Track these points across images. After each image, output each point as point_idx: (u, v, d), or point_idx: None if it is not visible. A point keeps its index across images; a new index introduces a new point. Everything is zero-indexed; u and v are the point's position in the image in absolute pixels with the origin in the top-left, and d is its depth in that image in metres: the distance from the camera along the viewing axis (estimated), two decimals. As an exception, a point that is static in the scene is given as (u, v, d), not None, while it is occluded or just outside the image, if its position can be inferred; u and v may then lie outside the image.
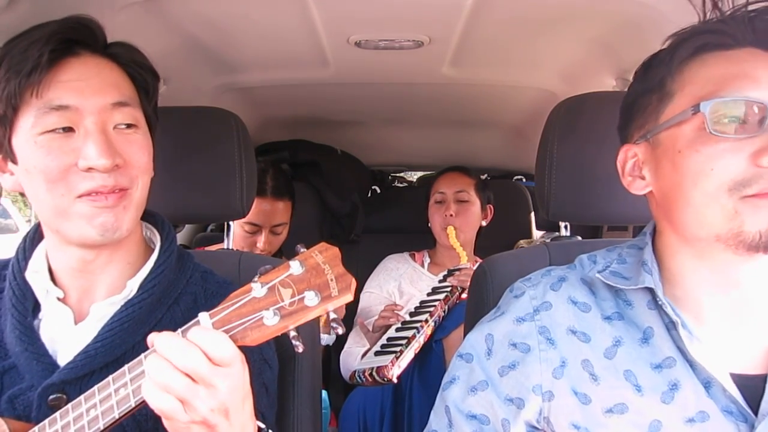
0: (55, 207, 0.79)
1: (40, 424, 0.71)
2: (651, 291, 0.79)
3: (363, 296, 2.11)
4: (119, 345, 0.81)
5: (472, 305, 1.14)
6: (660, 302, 0.78)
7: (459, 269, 1.93)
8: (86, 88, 0.78)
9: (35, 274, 0.86)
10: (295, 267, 0.66)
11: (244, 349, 0.67)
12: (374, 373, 1.63)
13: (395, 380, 1.62)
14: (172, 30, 1.34)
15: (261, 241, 1.86)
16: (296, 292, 0.65)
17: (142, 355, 0.67)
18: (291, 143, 2.50)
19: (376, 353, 1.74)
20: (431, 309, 1.78)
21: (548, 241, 1.37)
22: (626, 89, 0.87)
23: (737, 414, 0.73)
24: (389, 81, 1.82)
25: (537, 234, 2.58)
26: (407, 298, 2.02)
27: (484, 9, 1.26)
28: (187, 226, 2.46)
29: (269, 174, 1.89)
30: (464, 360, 0.88)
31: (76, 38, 0.80)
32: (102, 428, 0.67)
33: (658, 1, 1.14)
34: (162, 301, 0.87)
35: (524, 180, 2.87)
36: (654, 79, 0.80)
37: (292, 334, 0.66)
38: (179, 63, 1.51)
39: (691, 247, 0.77)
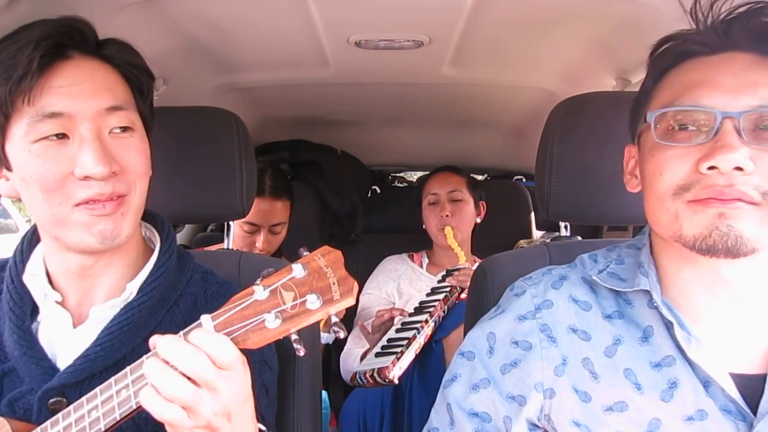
0: (52, 216, 0.78)
1: (43, 424, 0.71)
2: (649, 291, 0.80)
3: (362, 297, 2.11)
4: (119, 348, 0.81)
5: (473, 305, 1.14)
6: (655, 304, 0.78)
7: (458, 269, 1.93)
8: (79, 94, 0.76)
9: (33, 278, 0.85)
10: (297, 270, 0.66)
11: (245, 351, 0.67)
12: (375, 375, 1.63)
13: (396, 381, 1.62)
14: (172, 30, 1.34)
15: (260, 240, 1.87)
16: (298, 296, 0.65)
17: (145, 357, 0.66)
18: (291, 143, 2.50)
19: (377, 354, 1.74)
20: (431, 309, 1.78)
21: (548, 241, 1.37)
22: (626, 89, 0.88)
23: (736, 413, 0.73)
24: (389, 81, 1.82)
25: (537, 234, 2.58)
26: (406, 298, 2.01)
27: (484, 9, 1.26)
28: (187, 226, 2.46)
29: (268, 174, 1.90)
30: (466, 358, 0.88)
31: (67, 41, 0.78)
32: (103, 429, 0.67)
33: (658, 1, 1.14)
34: (162, 303, 0.86)
35: (524, 180, 2.87)
36: (645, 82, 0.83)
37: (294, 337, 0.66)
38: (179, 63, 1.51)
39: (672, 248, 0.78)
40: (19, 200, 0.82)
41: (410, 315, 1.84)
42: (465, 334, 0.95)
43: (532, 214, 2.59)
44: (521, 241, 2.47)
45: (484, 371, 0.85)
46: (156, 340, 0.65)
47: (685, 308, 0.78)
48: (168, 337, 0.65)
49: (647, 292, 0.80)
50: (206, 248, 1.88)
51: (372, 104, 2.13)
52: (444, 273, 1.97)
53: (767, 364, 0.75)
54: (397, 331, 1.79)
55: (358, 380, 1.69)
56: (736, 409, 0.73)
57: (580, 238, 1.35)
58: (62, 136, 0.76)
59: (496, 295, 1.00)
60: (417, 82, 1.83)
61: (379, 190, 2.94)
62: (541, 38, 1.46)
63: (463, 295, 1.79)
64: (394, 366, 1.62)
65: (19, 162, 0.77)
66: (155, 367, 0.63)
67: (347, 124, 2.38)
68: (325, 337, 1.82)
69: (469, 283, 1.23)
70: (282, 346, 0.99)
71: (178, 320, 0.86)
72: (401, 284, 2.08)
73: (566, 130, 1.12)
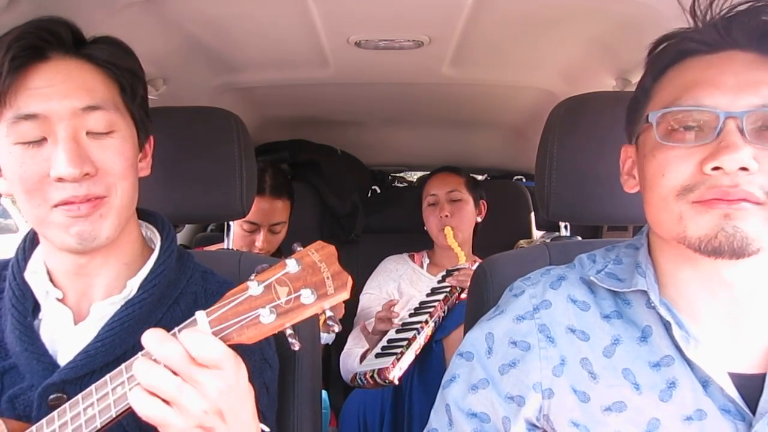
0: (35, 216, 0.79)
1: (38, 423, 0.71)
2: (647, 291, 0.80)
3: (362, 297, 2.11)
4: (119, 345, 0.81)
5: (473, 305, 1.14)
6: (653, 304, 0.78)
7: (458, 269, 1.93)
8: (54, 94, 0.76)
9: (34, 275, 0.86)
10: (291, 265, 0.66)
11: (245, 349, 0.67)
12: (375, 375, 1.63)
13: (396, 382, 1.62)
14: (171, 30, 1.34)
15: (260, 240, 1.87)
16: (292, 290, 0.65)
17: (139, 354, 0.67)
18: (291, 143, 2.50)
19: (377, 355, 1.74)
20: (431, 310, 1.78)
21: (548, 241, 1.37)
22: (626, 89, 0.87)
23: (735, 413, 0.73)
24: (389, 81, 1.82)
25: (537, 234, 2.58)
26: (407, 298, 2.02)
27: (484, 9, 1.26)
28: (187, 226, 2.46)
29: (268, 173, 1.90)
30: (464, 358, 0.88)
31: (40, 43, 0.77)
32: (99, 427, 0.67)
33: (658, 1, 1.14)
34: (162, 300, 0.87)
35: (524, 180, 2.87)
36: (643, 81, 0.82)
37: (289, 332, 0.66)
38: (179, 63, 1.51)
39: (672, 248, 0.78)
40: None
41: (410, 315, 1.84)
42: (465, 335, 0.95)
43: (532, 214, 2.59)
44: (521, 241, 2.47)
45: (482, 372, 0.85)
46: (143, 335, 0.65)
47: (684, 308, 0.78)
48: (150, 330, 0.65)
49: (645, 292, 0.80)
50: (206, 248, 1.89)
51: (372, 104, 2.13)
52: (444, 273, 1.97)
53: (766, 363, 0.75)
54: (397, 331, 1.79)
55: (359, 381, 1.69)
56: (735, 408, 0.73)
57: (579, 238, 1.35)
58: (42, 140, 0.77)
59: (496, 295, 1.00)
60: (417, 82, 1.83)
61: (379, 190, 2.94)
62: (541, 38, 1.46)
63: (463, 296, 1.79)
64: (394, 367, 1.62)
65: (3, 162, 0.79)
66: (138, 361, 0.64)
67: (347, 124, 2.38)
68: (325, 338, 1.82)
69: (469, 283, 1.23)
70: (282, 345, 0.99)
71: (179, 318, 0.86)
72: (402, 284, 2.08)
73: (566, 130, 1.12)
